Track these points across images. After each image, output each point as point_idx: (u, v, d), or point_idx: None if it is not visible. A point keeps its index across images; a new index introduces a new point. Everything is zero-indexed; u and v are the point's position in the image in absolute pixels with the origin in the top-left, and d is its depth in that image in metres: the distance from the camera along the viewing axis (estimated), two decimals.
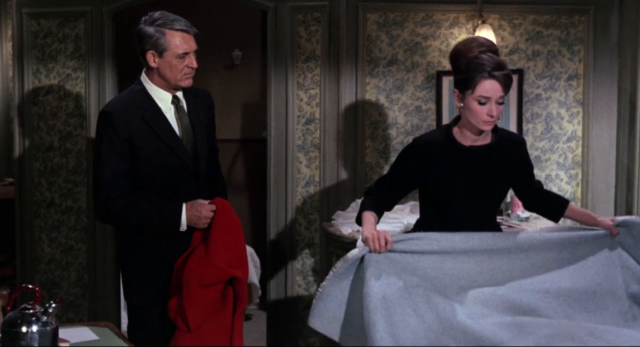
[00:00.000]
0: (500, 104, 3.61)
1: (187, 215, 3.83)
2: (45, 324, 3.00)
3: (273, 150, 5.67)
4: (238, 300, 3.89)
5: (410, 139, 5.59)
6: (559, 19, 5.64)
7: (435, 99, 5.62)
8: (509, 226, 4.93)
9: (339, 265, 3.58)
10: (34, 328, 2.97)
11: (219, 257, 3.80)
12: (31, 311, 3.00)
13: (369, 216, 3.75)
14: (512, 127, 5.59)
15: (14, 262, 5.97)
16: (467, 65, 3.63)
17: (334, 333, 3.65)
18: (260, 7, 5.77)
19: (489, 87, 3.58)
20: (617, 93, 5.57)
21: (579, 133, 5.67)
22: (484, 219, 3.86)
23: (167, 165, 3.87)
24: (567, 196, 5.59)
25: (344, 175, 5.60)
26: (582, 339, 3.34)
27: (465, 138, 3.73)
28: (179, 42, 3.84)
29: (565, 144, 5.67)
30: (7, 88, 7.39)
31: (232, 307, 3.89)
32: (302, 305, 5.70)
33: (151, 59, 3.84)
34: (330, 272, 3.60)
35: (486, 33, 5.44)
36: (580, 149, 5.66)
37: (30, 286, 3.13)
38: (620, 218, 3.75)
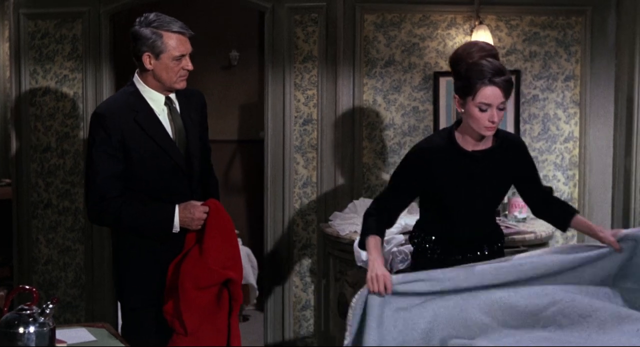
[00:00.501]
0: (501, 109, 3.59)
1: (180, 217, 3.82)
2: (42, 325, 3.00)
3: (270, 151, 5.67)
4: (233, 301, 3.89)
5: (407, 139, 5.60)
6: (556, 20, 5.64)
7: (432, 99, 5.62)
8: (507, 227, 4.93)
9: (350, 317, 3.55)
10: (31, 329, 2.97)
11: (213, 259, 3.80)
12: (28, 311, 3.00)
13: (373, 243, 3.67)
14: (510, 128, 5.59)
15: (11, 263, 5.97)
16: (467, 72, 3.60)
17: None
18: (258, 8, 5.77)
19: (489, 93, 3.55)
20: (614, 94, 5.57)
21: (576, 134, 5.67)
22: (485, 219, 3.86)
23: (160, 167, 3.86)
24: (564, 197, 5.60)
25: (341, 176, 5.61)
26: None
27: (467, 143, 3.71)
28: (176, 44, 3.82)
29: (562, 144, 5.67)
30: (4, 89, 7.38)
31: (228, 308, 3.89)
32: (300, 306, 5.70)
33: (147, 61, 3.83)
34: (347, 329, 3.58)
35: (483, 34, 5.45)
36: (577, 150, 5.67)
37: (27, 287, 3.13)
38: (624, 232, 3.66)
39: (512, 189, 3.95)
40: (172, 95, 3.94)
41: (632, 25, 5.32)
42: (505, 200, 5.25)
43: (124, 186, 3.83)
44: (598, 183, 5.63)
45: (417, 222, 4.01)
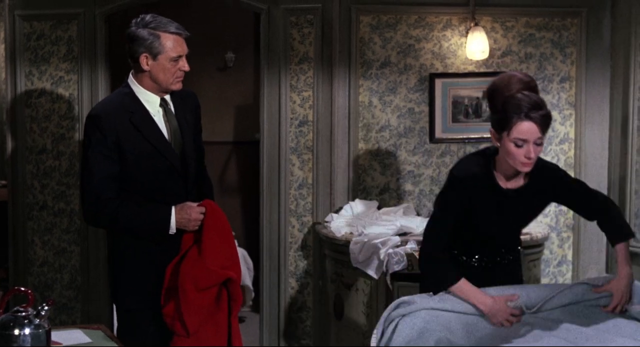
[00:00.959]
0: (538, 144, 3.48)
1: (176, 218, 3.82)
2: (37, 326, 2.99)
3: (266, 153, 5.67)
4: (233, 301, 3.89)
5: (403, 141, 5.60)
6: (552, 22, 5.65)
7: (428, 101, 5.62)
8: None
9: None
10: (27, 331, 2.97)
11: (211, 259, 3.80)
12: (24, 313, 2.99)
13: (466, 284, 3.56)
14: None
15: (7, 265, 5.95)
16: (504, 106, 3.49)
17: None
18: (253, 9, 5.77)
19: (525, 129, 3.44)
20: (609, 95, 5.58)
21: (572, 135, 5.68)
22: (511, 238, 3.86)
23: (155, 168, 3.86)
24: None
25: (336, 177, 5.60)
26: None
27: (502, 176, 3.62)
28: (173, 45, 3.82)
29: (557, 146, 5.68)
30: None
31: (227, 308, 3.89)
32: (295, 307, 5.70)
33: (144, 61, 3.82)
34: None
35: (478, 35, 5.46)
36: (572, 151, 5.67)
37: (22, 289, 3.13)
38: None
39: None
40: (167, 97, 3.94)
41: (627, 27, 5.32)
42: None
43: (119, 187, 3.83)
44: (593, 185, 5.59)
45: None
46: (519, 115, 3.44)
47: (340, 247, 5.18)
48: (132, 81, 3.90)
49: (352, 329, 5.21)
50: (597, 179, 5.59)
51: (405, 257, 4.82)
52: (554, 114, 5.65)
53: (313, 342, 5.70)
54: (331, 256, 5.36)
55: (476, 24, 5.51)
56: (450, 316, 3.55)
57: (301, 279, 5.70)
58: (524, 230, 3.94)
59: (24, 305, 3.02)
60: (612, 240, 3.72)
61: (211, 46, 7.79)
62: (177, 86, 3.90)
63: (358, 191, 5.63)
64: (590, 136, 5.63)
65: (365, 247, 4.96)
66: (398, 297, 4.76)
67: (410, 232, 5.11)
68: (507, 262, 3.83)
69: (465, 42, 5.55)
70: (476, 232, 3.71)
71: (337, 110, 5.57)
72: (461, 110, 5.63)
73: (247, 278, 7.69)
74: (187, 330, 3.77)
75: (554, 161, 5.65)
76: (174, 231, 3.83)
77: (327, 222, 5.45)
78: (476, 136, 5.62)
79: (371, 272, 4.95)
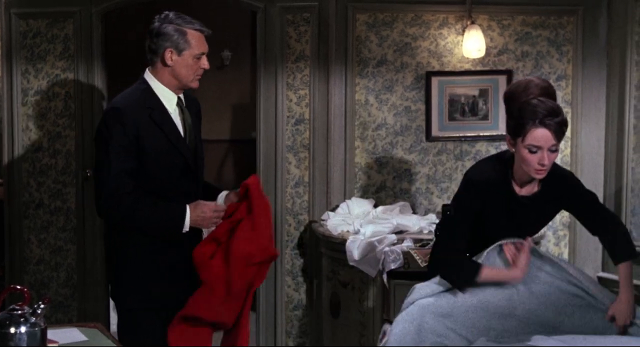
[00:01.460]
0: (553, 151, 3.47)
1: (191, 216, 3.85)
2: (33, 325, 2.99)
3: (262, 151, 5.67)
4: (259, 279, 3.95)
5: (399, 139, 5.60)
6: (548, 20, 5.65)
7: (424, 99, 5.62)
8: None
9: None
10: (23, 329, 2.96)
11: (263, 235, 3.88)
12: (20, 311, 2.99)
13: (488, 268, 3.59)
14: (502, 128, 5.60)
15: (3, 263, 5.95)
16: (519, 111, 3.48)
17: None
18: (250, 8, 5.77)
19: (539, 135, 3.43)
20: (605, 93, 5.58)
21: (568, 133, 5.67)
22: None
23: (172, 165, 3.90)
24: None
25: (333, 175, 5.60)
26: None
27: (518, 183, 3.62)
28: (197, 42, 3.93)
29: None
30: None
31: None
32: (292, 305, 5.70)
33: (169, 56, 3.87)
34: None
35: (475, 34, 5.46)
36: (569, 150, 5.67)
37: (19, 287, 3.12)
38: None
39: None
40: (182, 96, 3.98)
41: (624, 25, 5.33)
42: None
43: (136, 183, 3.84)
44: (589, 182, 5.62)
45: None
46: (534, 122, 3.42)
47: (336, 246, 5.19)
48: (149, 77, 3.93)
49: (349, 327, 5.21)
50: (593, 177, 5.59)
51: (401, 256, 4.82)
52: None
53: (309, 341, 5.70)
54: (327, 254, 5.36)
55: (473, 22, 5.51)
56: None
57: (297, 278, 5.70)
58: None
59: (20, 303, 3.02)
60: (616, 258, 3.70)
61: (208, 44, 7.77)
62: (195, 84, 3.98)
63: (354, 189, 5.63)
64: (586, 134, 5.63)
65: (361, 245, 4.96)
66: (394, 295, 4.78)
67: (407, 231, 5.11)
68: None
69: (462, 41, 5.56)
70: (484, 236, 3.69)
71: (334, 109, 5.57)
72: (457, 109, 5.63)
73: None
74: (231, 291, 3.80)
75: None
76: (187, 229, 3.85)
77: (323, 220, 5.46)
78: (472, 134, 5.63)
79: (367, 271, 4.96)
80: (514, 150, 3.55)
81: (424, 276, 4.77)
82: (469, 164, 5.59)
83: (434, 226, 5.10)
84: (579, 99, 5.61)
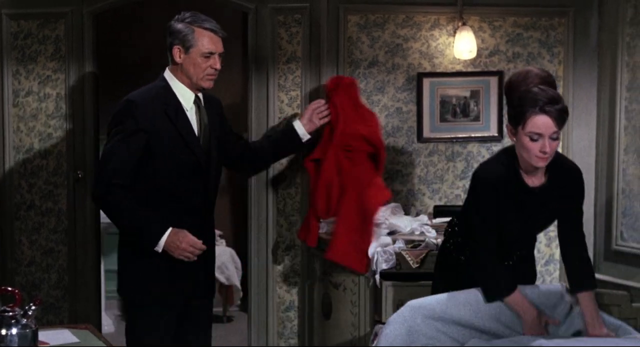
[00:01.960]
0: (554, 139, 3.46)
1: (167, 239, 3.86)
2: (25, 326, 2.99)
3: None
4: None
5: (391, 140, 5.60)
6: (539, 21, 5.66)
7: (415, 100, 5.63)
8: None
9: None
10: (14, 331, 2.97)
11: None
12: (11, 313, 2.99)
13: (520, 297, 3.59)
14: (493, 129, 5.61)
15: None
16: (520, 100, 3.48)
17: None
18: (241, 9, 5.77)
19: (540, 123, 3.42)
20: (596, 95, 5.59)
21: None
22: (527, 241, 3.88)
23: (182, 162, 3.94)
24: None
25: None
26: None
27: (525, 174, 3.61)
28: (207, 41, 3.98)
29: None
30: None
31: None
32: (284, 307, 5.69)
33: (177, 54, 3.94)
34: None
35: (466, 35, 5.47)
36: (559, 150, 5.67)
37: (10, 288, 3.13)
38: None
39: None
40: (200, 95, 4.02)
41: (614, 27, 5.34)
42: None
43: (132, 180, 3.87)
44: None
45: (456, 227, 3.94)
46: (535, 109, 3.42)
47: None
48: (168, 75, 4.04)
49: (341, 329, 5.21)
50: (585, 178, 5.58)
51: (394, 256, 4.82)
52: None
53: (301, 342, 5.70)
54: (319, 255, 5.36)
55: (464, 24, 5.52)
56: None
57: (289, 279, 5.69)
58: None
59: (11, 305, 3.02)
60: (582, 287, 3.64)
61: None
62: (208, 84, 4.03)
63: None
64: (577, 135, 5.64)
65: None
66: (386, 296, 4.78)
67: (399, 231, 5.12)
68: (517, 264, 3.82)
69: (453, 42, 5.56)
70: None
71: None
72: (449, 110, 5.64)
73: (235, 278, 7.70)
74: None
75: None
76: (160, 250, 3.86)
77: None
78: (464, 135, 5.63)
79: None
80: (514, 139, 3.54)
81: (415, 276, 4.79)
82: (460, 165, 5.60)
83: (426, 227, 5.11)
84: (570, 100, 5.61)
